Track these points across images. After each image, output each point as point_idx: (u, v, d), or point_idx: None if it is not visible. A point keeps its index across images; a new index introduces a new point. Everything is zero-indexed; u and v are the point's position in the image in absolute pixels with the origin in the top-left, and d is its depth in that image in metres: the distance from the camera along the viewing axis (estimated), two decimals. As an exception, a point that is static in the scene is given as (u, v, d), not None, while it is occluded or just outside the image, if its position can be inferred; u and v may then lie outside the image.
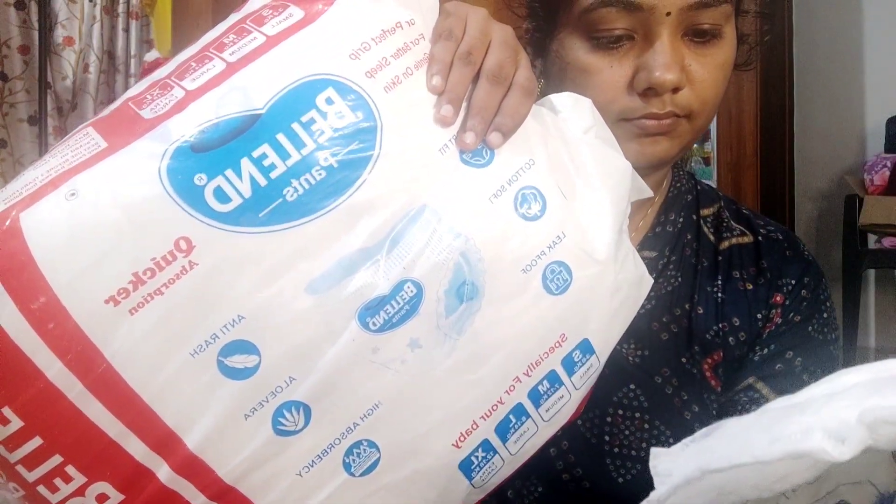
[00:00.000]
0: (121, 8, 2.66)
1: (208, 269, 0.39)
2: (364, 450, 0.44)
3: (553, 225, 0.47)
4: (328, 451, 0.43)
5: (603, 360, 0.51)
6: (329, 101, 0.43)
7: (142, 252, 0.39)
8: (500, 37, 0.48)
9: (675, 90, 0.58)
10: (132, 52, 2.64)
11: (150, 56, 2.33)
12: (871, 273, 2.70)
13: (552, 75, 0.64)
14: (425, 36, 0.48)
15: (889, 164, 2.40)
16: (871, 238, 2.47)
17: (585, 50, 0.60)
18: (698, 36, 0.59)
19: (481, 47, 0.47)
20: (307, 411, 0.42)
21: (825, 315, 0.68)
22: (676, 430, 0.61)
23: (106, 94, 2.63)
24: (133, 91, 0.45)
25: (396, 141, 0.44)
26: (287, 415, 0.42)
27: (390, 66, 0.45)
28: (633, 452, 0.59)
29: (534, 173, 0.47)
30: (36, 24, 2.60)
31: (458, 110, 0.46)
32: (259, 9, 0.47)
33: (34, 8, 2.60)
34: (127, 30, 2.66)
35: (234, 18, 0.47)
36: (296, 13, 0.45)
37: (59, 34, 2.66)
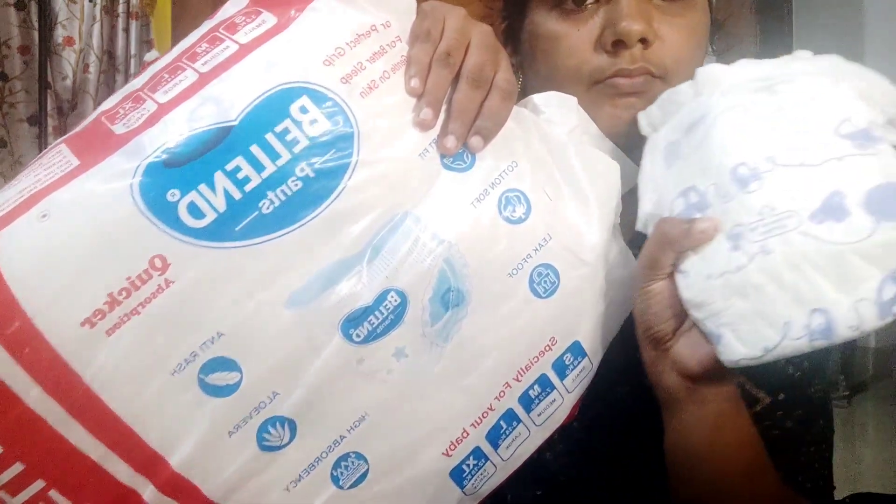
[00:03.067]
0: (121, 8, 2.65)
1: (185, 286, 0.39)
2: (352, 462, 0.43)
3: (538, 227, 0.46)
4: (315, 464, 0.43)
5: (596, 361, 0.50)
6: (303, 110, 0.42)
7: (116, 272, 0.38)
8: (479, 37, 0.47)
9: (644, 43, 0.56)
10: (132, 52, 2.63)
11: (150, 56, 2.32)
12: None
13: (526, 58, 0.63)
14: (402, 38, 0.47)
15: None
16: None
17: (553, 20, 0.59)
18: None
19: (460, 48, 0.46)
20: (292, 426, 0.42)
21: None
22: None
23: (106, 94, 2.62)
24: (107, 104, 0.44)
25: (375, 147, 0.43)
26: (272, 430, 0.41)
27: (366, 70, 0.44)
28: (630, 453, 0.58)
29: (517, 176, 0.46)
30: (36, 24, 2.59)
31: (437, 113, 0.45)
32: (232, 16, 0.46)
33: (34, 8, 2.59)
34: (127, 30, 2.65)
35: (207, 26, 0.46)
36: (268, 20, 0.44)
37: (59, 34, 2.65)
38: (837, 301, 0.40)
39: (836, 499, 0.61)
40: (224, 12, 0.47)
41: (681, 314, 0.46)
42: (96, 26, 2.65)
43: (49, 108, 2.53)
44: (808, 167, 0.41)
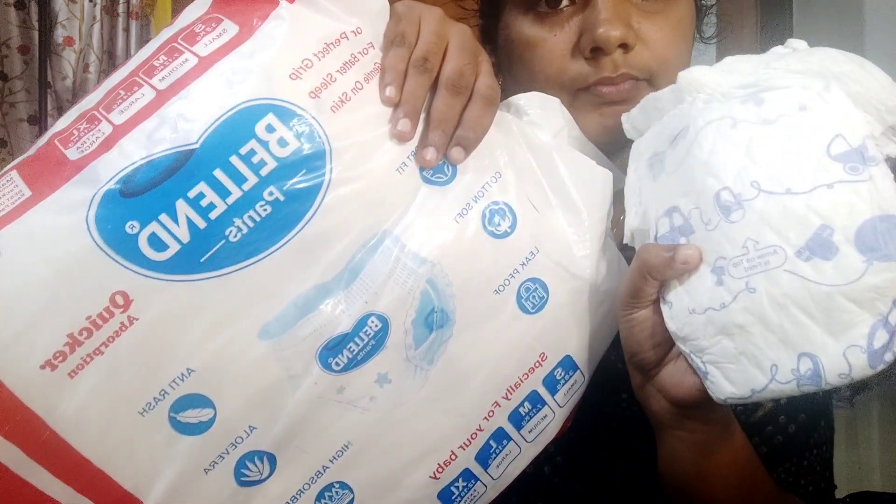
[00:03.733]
0: (121, 8, 2.62)
1: (149, 323, 0.37)
2: (336, 492, 0.42)
3: (525, 240, 0.44)
4: (298, 496, 0.41)
5: (588, 374, 0.48)
6: (270, 129, 0.39)
7: (76, 311, 0.36)
8: (458, 40, 0.44)
9: (625, 48, 0.53)
10: (132, 52, 2.60)
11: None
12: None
13: (504, 62, 0.60)
14: (375, 44, 0.44)
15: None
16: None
17: (528, 23, 0.56)
18: None
19: (438, 52, 0.44)
20: (272, 459, 0.40)
21: None
22: None
23: (106, 94, 2.61)
24: (60, 124, 0.42)
25: (349, 164, 0.41)
26: (250, 465, 0.40)
27: (336, 82, 0.42)
28: (628, 461, 0.56)
29: (501, 187, 0.44)
30: (36, 24, 2.58)
31: (415, 124, 0.43)
32: (191, 24, 0.43)
33: (34, 8, 2.57)
34: (127, 30, 2.63)
35: (166, 34, 0.43)
36: (230, 29, 0.42)
37: (59, 34, 2.63)
38: (826, 346, 0.37)
39: (836, 498, 0.59)
40: (184, 18, 0.44)
41: (666, 342, 0.43)
42: (96, 26, 2.62)
43: (49, 108, 2.52)
44: (794, 195, 0.38)
